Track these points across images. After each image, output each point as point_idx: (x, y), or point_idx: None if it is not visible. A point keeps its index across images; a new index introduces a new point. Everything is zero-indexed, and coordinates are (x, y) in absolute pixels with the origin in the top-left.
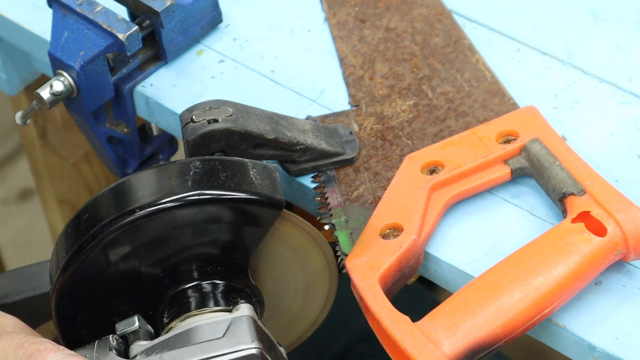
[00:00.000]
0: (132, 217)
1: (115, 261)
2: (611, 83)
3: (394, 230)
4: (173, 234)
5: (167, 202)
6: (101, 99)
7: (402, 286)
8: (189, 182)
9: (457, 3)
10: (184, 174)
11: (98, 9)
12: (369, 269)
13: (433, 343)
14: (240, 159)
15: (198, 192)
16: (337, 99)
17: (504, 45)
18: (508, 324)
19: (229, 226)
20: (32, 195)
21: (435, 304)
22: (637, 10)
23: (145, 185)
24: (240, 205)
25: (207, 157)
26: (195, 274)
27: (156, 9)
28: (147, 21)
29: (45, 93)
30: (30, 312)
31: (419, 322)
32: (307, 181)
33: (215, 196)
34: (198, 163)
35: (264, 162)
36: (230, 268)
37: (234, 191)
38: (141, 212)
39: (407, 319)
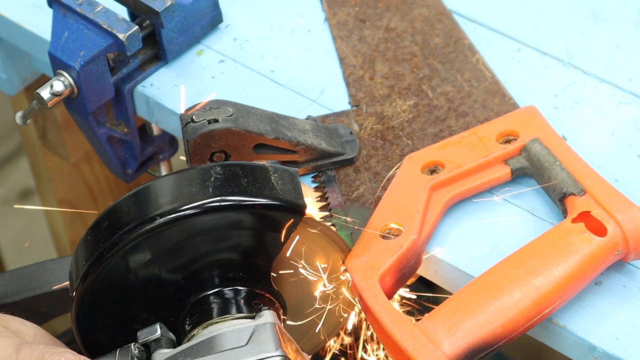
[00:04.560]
0: (152, 225)
1: (135, 268)
2: (611, 83)
3: (394, 230)
4: (194, 241)
5: (188, 208)
6: (101, 99)
7: (402, 286)
8: (210, 188)
9: (457, 3)
10: (205, 179)
11: (98, 9)
12: (369, 269)
13: (433, 343)
14: (261, 163)
15: (219, 198)
16: (337, 99)
17: (504, 45)
18: (508, 324)
19: (250, 232)
20: (32, 195)
21: (435, 304)
22: (637, 10)
23: (165, 192)
24: (262, 211)
25: (228, 162)
26: (217, 280)
27: (156, 9)
28: (147, 21)
29: (45, 93)
30: (30, 312)
31: (419, 322)
32: (307, 181)
33: (236, 202)
34: (219, 169)
35: (286, 166)
36: (252, 274)
37: (256, 197)
38: (162, 219)
39: (407, 318)
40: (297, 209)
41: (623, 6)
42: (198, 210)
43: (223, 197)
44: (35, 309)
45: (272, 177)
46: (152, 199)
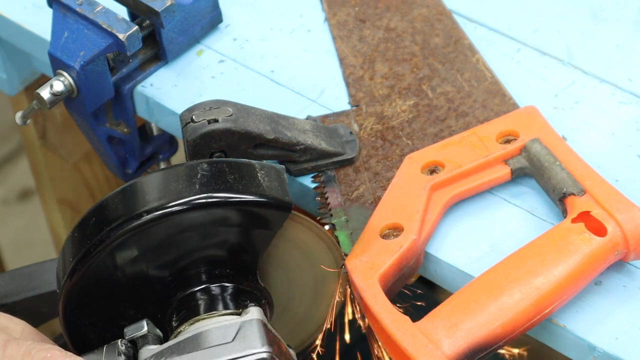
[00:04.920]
0: (139, 221)
1: (122, 265)
2: (611, 83)
3: (394, 230)
4: (181, 237)
5: (175, 205)
6: (101, 99)
7: (402, 286)
8: (197, 185)
9: (457, 3)
10: (192, 176)
11: (98, 9)
12: (369, 269)
13: (433, 343)
14: (248, 160)
15: (206, 195)
16: (337, 99)
17: (504, 45)
18: (508, 324)
19: (237, 229)
20: (32, 195)
21: (435, 304)
22: (637, 10)
23: (152, 189)
24: (248, 207)
25: (215, 159)
26: (204, 277)
27: (156, 9)
28: (147, 21)
29: (45, 93)
30: (30, 312)
31: (419, 322)
32: (307, 181)
33: (223, 199)
34: (205, 165)
35: (272, 163)
36: (239, 270)
37: (242, 194)
38: (149, 215)
39: (407, 319)
40: (283, 206)
41: (623, 6)
42: (185, 207)
43: (209, 194)
44: (35, 308)
45: (259, 174)
46: (139, 195)
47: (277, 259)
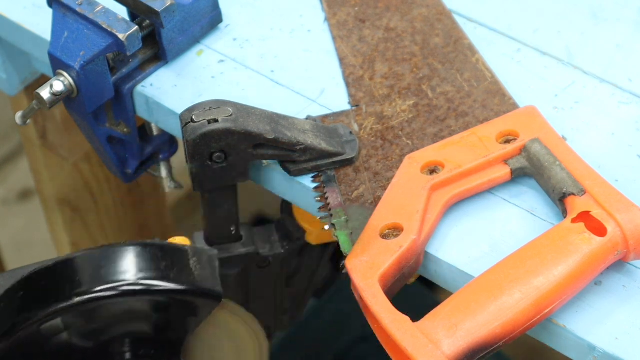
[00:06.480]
0: (69, 303)
1: (48, 336)
2: (611, 83)
3: (394, 230)
4: (109, 320)
5: (104, 290)
6: (101, 99)
7: (402, 286)
8: (129, 271)
9: (457, 3)
10: (124, 260)
11: (98, 9)
12: (369, 269)
13: (433, 343)
14: (181, 245)
15: (134, 282)
16: (337, 99)
17: (504, 45)
18: (508, 324)
19: (165, 313)
20: (32, 195)
21: (435, 304)
22: (637, 10)
23: (83, 269)
24: (178, 296)
25: (150, 242)
26: (127, 356)
27: (156, 9)
28: (147, 21)
29: (45, 93)
30: None
31: (419, 322)
32: (307, 181)
33: (153, 287)
34: (139, 249)
35: (205, 248)
36: (163, 351)
37: (173, 282)
38: (78, 298)
39: (407, 319)
40: (213, 295)
41: (623, 6)
42: (114, 293)
43: (138, 282)
44: None
45: (191, 262)
46: (69, 275)
47: (202, 341)
